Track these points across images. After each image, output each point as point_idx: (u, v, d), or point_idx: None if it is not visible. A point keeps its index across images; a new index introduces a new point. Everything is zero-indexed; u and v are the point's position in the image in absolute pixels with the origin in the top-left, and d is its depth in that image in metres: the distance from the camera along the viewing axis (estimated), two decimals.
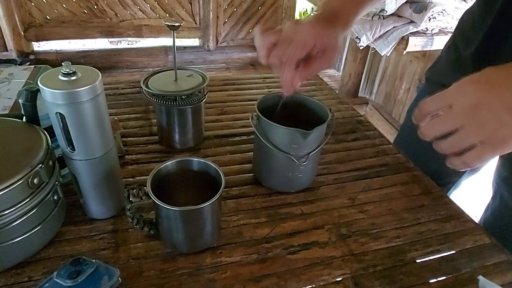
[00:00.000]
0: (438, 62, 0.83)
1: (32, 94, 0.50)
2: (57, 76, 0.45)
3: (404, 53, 1.90)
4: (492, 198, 0.83)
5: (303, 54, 0.53)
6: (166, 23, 0.61)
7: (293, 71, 0.53)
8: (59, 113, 0.45)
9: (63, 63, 0.45)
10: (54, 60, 2.61)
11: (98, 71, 0.48)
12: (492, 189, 0.83)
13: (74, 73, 0.45)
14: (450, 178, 0.89)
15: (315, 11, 0.60)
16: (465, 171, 0.88)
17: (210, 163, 0.53)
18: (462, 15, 0.77)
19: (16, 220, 0.45)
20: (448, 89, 0.43)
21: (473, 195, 1.97)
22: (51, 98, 0.44)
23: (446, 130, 0.42)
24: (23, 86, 0.69)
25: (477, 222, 0.63)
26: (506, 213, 0.77)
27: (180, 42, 3.00)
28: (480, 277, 0.51)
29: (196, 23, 2.87)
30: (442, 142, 0.43)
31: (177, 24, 0.61)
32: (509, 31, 0.62)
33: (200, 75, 0.72)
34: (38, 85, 0.45)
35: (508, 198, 0.76)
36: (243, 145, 0.78)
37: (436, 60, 0.84)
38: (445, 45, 0.82)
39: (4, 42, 2.47)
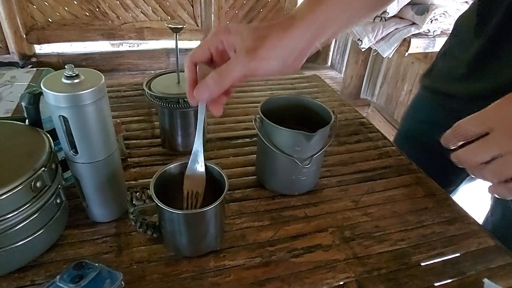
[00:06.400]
0: (433, 69, 0.80)
1: (35, 97, 0.50)
2: (60, 79, 0.45)
3: (406, 55, 1.90)
4: (495, 201, 0.82)
5: (204, 52, 0.44)
6: (169, 25, 0.61)
7: (188, 71, 0.44)
8: (62, 116, 0.45)
9: (66, 66, 0.44)
10: (56, 63, 2.62)
11: (101, 74, 0.48)
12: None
13: (77, 75, 0.45)
14: (447, 188, 0.88)
15: None
16: (465, 178, 0.87)
17: (214, 166, 0.53)
18: (457, 20, 0.74)
19: (18, 224, 0.45)
20: (487, 110, 0.39)
21: (477, 195, 1.96)
22: (54, 101, 0.44)
23: (489, 157, 0.38)
24: (26, 89, 0.69)
25: (480, 224, 0.63)
26: (509, 217, 0.76)
27: (182, 44, 2.99)
28: (486, 280, 0.51)
29: (197, 26, 2.88)
30: (483, 169, 0.39)
31: (180, 27, 0.61)
32: (509, 35, 0.61)
33: None
34: (41, 88, 0.45)
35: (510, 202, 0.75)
36: (245, 148, 0.78)
37: (430, 66, 0.81)
38: (439, 52, 0.79)
39: (6, 44, 2.48)
